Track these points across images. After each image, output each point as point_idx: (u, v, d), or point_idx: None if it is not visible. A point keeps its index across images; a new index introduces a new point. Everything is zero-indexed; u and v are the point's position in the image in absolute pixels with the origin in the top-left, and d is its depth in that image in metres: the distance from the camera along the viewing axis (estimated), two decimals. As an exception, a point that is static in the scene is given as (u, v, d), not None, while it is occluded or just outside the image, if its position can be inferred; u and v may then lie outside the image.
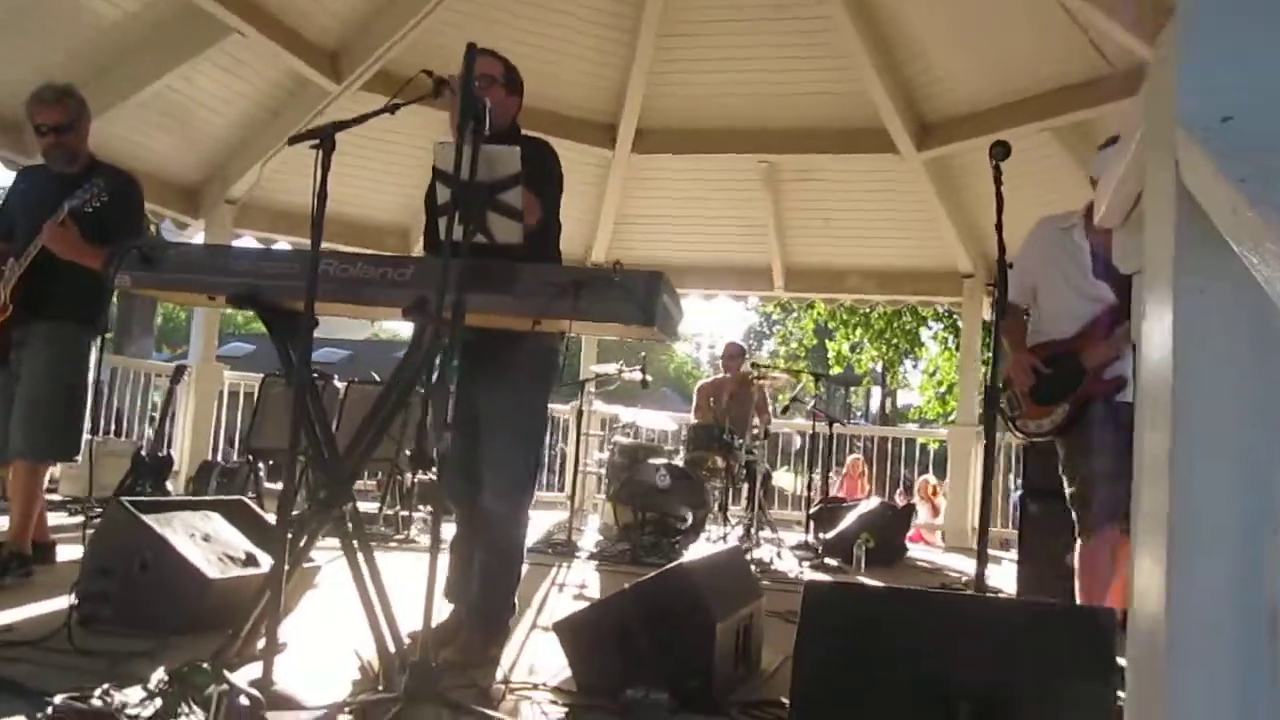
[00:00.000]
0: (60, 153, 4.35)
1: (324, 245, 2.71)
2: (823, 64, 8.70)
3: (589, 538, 7.74)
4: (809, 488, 8.72)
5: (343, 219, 9.28)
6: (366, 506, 7.70)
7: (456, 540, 3.60)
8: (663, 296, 2.77)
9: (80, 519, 5.78)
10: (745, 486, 8.12)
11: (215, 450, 9.35)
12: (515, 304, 2.77)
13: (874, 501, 8.34)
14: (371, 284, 2.88)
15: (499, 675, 3.21)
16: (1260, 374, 1.14)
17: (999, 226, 3.45)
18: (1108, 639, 2.28)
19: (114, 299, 5.54)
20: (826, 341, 20.81)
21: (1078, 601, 3.73)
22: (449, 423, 2.51)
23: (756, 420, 8.18)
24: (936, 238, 9.54)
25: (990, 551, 4.90)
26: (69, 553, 4.54)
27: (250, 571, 3.65)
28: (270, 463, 7.59)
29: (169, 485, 7.22)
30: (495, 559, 3.41)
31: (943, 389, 18.42)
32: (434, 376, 2.77)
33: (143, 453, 7.07)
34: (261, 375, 8.16)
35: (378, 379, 8.01)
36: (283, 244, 9.11)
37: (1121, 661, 1.92)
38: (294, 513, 2.82)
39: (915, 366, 22.81)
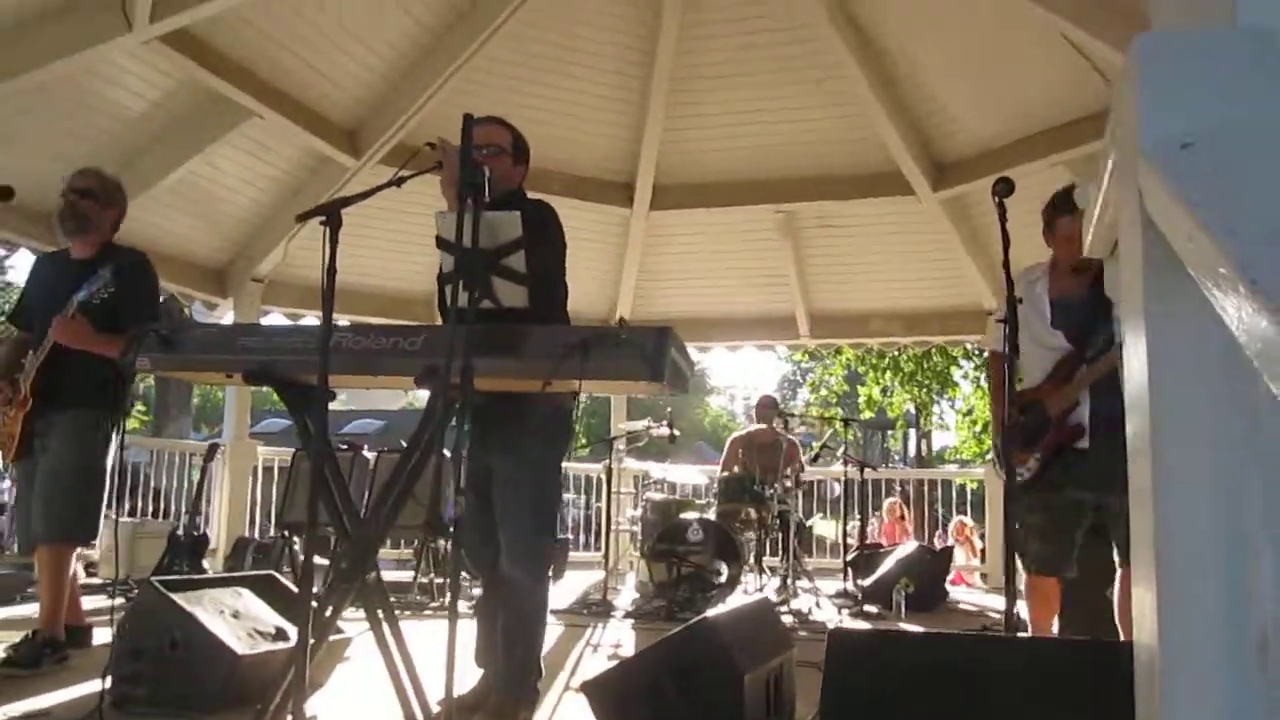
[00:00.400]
0: (70, 214, 4.42)
1: (353, 318, 2.76)
2: (834, 111, 8.76)
3: (625, 596, 7.70)
4: (845, 534, 8.65)
5: (372, 291, 9.42)
6: (402, 575, 7.76)
7: (481, 605, 3.60)
8: (671, 352, 2.78)
9: (120, 600, 5.84)
10: (780, 536, 8.07)
11: (253, 526, 9.41)
12: (525, 367, 2.79)
13: (912, 545, 8.27)
14: (384, 354, 2.92)
15: (529, 739, 3.20)
16: (1232, 398, 1.14)
17: (1006, 265, 3.46)
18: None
19: (148, 381, 5.62)
20: (858, 387, 20.73)
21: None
22: (462, 488, 2.52)
23: (788, 470, 8.14)
24: (959, 276, 9.52)
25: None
26: (106, 635, 4.58)
27: (280, 646, 3.66)
28: (304, 536, 7.63)
29: (205, 564, 7.28)
30: (517, 622, 3.41)
31: (978, 428, 18.27)
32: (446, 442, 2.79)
33: (179, 532, 7.14)
34: (294, 449, 8.23)
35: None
36: (310, 319, 9.22)
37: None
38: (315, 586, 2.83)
39: (952, 406, 22.67)
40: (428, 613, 6.54)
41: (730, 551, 7.14)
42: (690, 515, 7.39)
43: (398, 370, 2.91)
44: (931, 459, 26.38)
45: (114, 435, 4.48)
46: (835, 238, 9.87)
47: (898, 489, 12.72)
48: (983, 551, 10.68)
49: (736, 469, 8.46)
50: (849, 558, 8.34)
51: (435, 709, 2.83)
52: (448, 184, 3.18)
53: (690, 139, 9.18)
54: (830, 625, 6.34)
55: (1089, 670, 2.35)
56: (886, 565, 7.67)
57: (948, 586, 8.23)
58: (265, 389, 3.17)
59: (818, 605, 7.12)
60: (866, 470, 8.72)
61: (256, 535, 9.00)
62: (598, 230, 9.83)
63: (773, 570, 8.06)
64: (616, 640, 5.59)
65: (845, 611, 7.07)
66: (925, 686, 2.49)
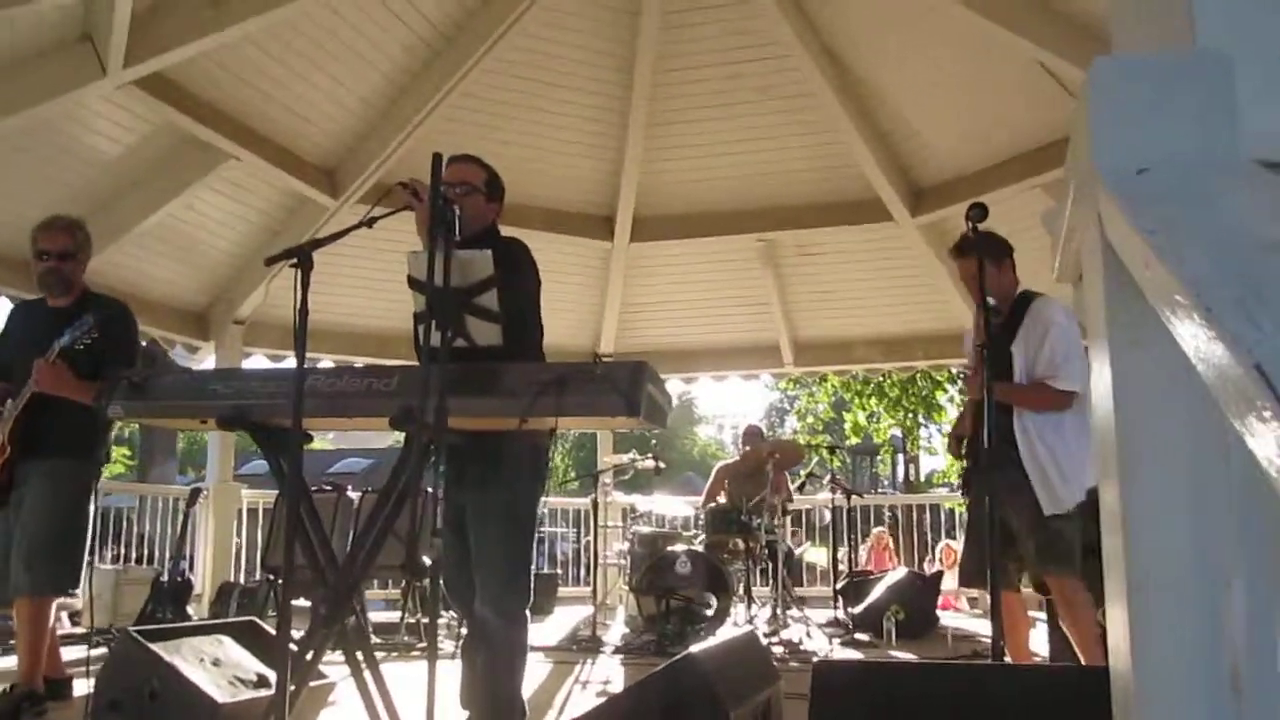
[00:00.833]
0: (56, 279, 4.43)
1: (336, 358, 2.74)
2: (812, 140, 8.80)
3: (615, 631, 7.65)
4: (834, 562, 8.62)
5: (354, 330, 9.40)
6: (391, 615, 7.69)
7: (465, 645, 3.56)
8: (647, 386, 2.77)
9: (102, 650, 5.77)
10: (769, 566, 8.03)
11: (238, 570, 9.33)
12: (500, 405, 2.77)
13: (902, 572, 8.24)
14: (358, 396, 2.90)
15: (514, 781, 3.15)
16: (1199, 425, 1.13)
17: (981, 288, 3.47)
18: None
19: (133, 425, 5.59)
20: (844, 413, 20.72)
21: None
22: (438, 528, 2.50)
23: (775, 499, 8.11)
24: (941, 301, 9.53)
25: (1033, 614, 4.90)
26: (86, 687, 4.52)
27: (261, 693, 3.62)
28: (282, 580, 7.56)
29: (190, 609, 7.19)
30: (497, 662, 3.37)
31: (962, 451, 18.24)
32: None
33: (162, 579, 7.07)
34: (277, 492, 8.17)
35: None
36: (293, 360, 9.18)
37: None
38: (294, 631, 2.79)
39: (939, 430, 22.65)
40: (415, 654, 6.47)
41: (719, 583, 7.10)
42: (678, 548, 7.35)
43: (372, 411, 2.89)
44: (919, 484, 26.35)
45: (94, 484, 4.44)
46: (816, 265, 9.89)
47: (886, 515, 12.68)
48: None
49: (721, 498, 8.42)
50: (839, 585, 8.31)
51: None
52: (421, 224, 3.17)
53: (669, 170, 9.21)
54: (821, 655, 6.30)
55: (1074, 697, 2.33)
56: (876, 592, 7.64)
57: (938, 612, 8.18)
58: (246, 431, 3.14)
59: (808, 635, 7.07)
60: (854, 497, 8.70)
61: (242, 579, 8.91)
62: (579, 264, 9.83)
63: (762, 600, 8.02)
64: (605, 677, 5.54)
65: (836, 640, 7.04)
66: (912, 717, 2.47)
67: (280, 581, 7.24)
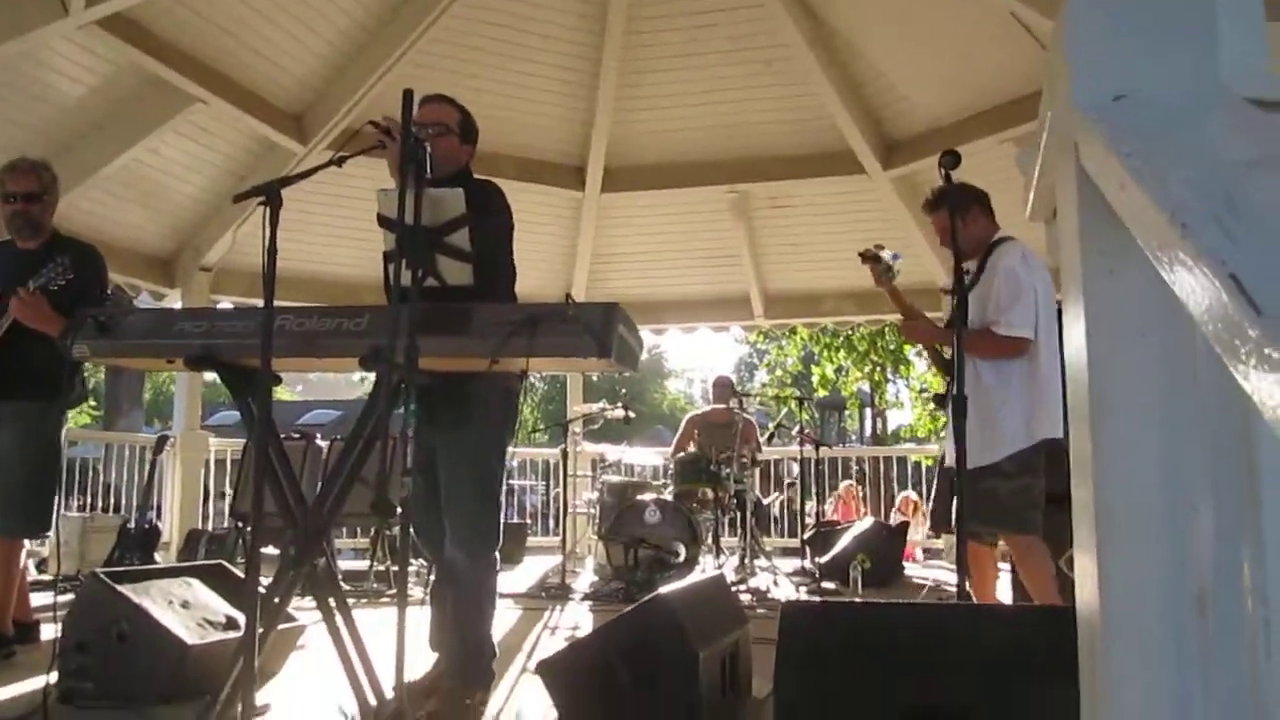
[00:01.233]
0: (24, 222, 4.36)
1: (302, 306, 2.71)
2: (785, 91, 8.76)
3: (584, 580, 7.69)
4: (802, 513, 8.70)
5: (320, 277, 9.32)
6: (360, 564, 7.70)
7: (434, 589, 3.57)
8: (619, 328, 2.76)
9: (69, 597, 5.75)
10: (738, 516, 8.08)
11: (206, 519, 9.30)
12: (471, 345, 2.75)
13: (868, 522, 8.31)
14: (327, 336, 2.87)
15: (485, 721, 3.18)
16: (1171, 356, 1.14)
17: (954, 236, 3.47)
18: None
19: (99, 374, 5.52)
20: (812, 366, 20.82)
21: None
22: (409, 469, 2.49)
23: (745, 450, 8.15)
24: (912, 254, 9.53)
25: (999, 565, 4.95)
26: (55, 632, 4.50)
27: (230, 635, 3.61)
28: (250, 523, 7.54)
29: (158, 556, 7.17)
30: (466, 606, 3.37)
31: (933, 405, 18.40)
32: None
33: (129, 526, 7.03)
34: (245, 441, 8.13)
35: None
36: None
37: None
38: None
39: (907, 384, 22.80)
40: (384, 600, 6.49)
41: (688, 532, 7.14)
42: (647, 497, 7.38)
43: (342, 351, 2.86)
44: (887, 437, 26.56)
45: (63, 427, 4.40)
46: (788, 217, 9.89)
47: (854, 467, 12.79)
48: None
49: (692, 448, 8.46)
50: (806, 536, 8.38)
51: (389, 695, 2.79)
52: (393, 163, 3.13)
53: (641, 121, 9.15)
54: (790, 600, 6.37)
55: (1034, 634, 2.37)
56: (843, 542, 7.71)
57: (903, 562, 8.28)
58: (217, 380, 3.11)
59: (775, 583, 7.14)
60: (822, 449, 8.76)
61: (210, 527, 8.89)
62: (550, 213, 9.77)
63: (731, 550, 8.08)
64: (574, 623, 5.58)
65: (803, 589, 7.11)
66: (878, 654, 2.50)
67: (249, 529, 7.25)
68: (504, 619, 5.31)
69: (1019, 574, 4.15)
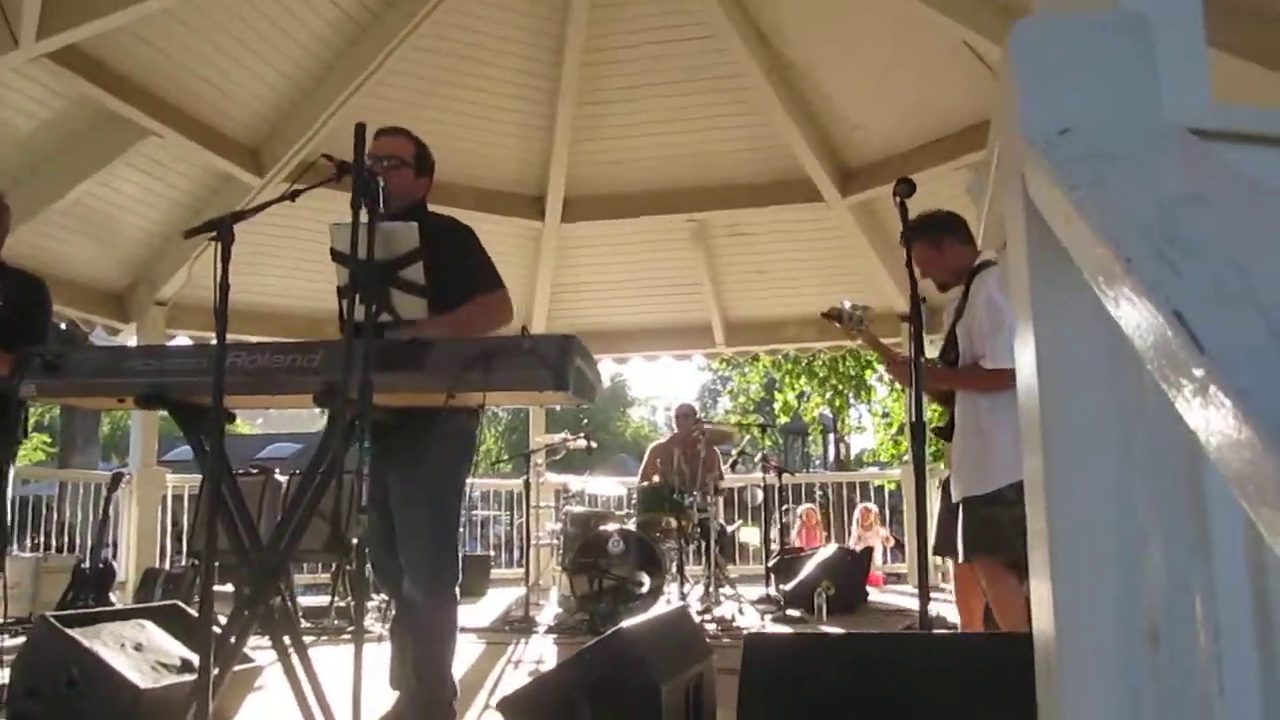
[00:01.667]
0: None
1: (262, 340, 2.67)
2: (742, 120, 8.82)
3: (548, 612, 7.63)
4: (766, 540, 8.69)
5: (279, 311, 9.22)
6: (320, 600, 7.59)
7: (394, 626, 3.52)
8: (576, 360, 2.74)
9: (19, 641, 5.62)
10: (702, 544, 8.06)
11: (164, 557, 9.14)
12: (426, 380, 2.72)
13: (832, 548, 8.32)
14: (281, 372, 2.84)
15: (446, 761, 3.12)
16: (1119, 385, 1.14)
17: (909, 264, 3.49)
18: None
19: (53, 411, 5.41)
20: (775, 392, 20.87)
21: None
22: (364, 506, 2.46)
23: (708, 478, 8.14)
24: (870, 281, 9.60)
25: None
26: (3, 676, 4.40)
27: (185, 678, 3.53)
28: (217, 565, 7.42)
29: (113, 596, 7.04)
30: (426, 644, 3.33)
31: (894, 430, 18.51)
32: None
33: (84, 565, 6.90)
34: (202, 477, 8.00)
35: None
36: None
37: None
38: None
39: (868, 409, 22.91)
40: (345, 637, 6.39)
41: (652, 562, 7.11)
42: (610, 527, 7.34)
43: (296, 388, 2.82)
44: (850, 463, 26.64)
45: (10, 466, 4.31)
46: (747, 245, 9.93)
47: (817, 493, 12.80)
48: (903, 548, 10.80)
49: (656, 478, 8.43)
50: (770, 563, 8.37)
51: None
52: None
53: (600, 150, 9.17)
54: (754, 631, 6.35)
55: (998, 662, 2.36)
56: (807, 569, 7.71)
57: (867, 588, 8.29)
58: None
59: (740, 612, 7.12)
60: (785, 475, 8.76)
61: (167, 565, 8.74)
62: (510, 244, 9.74)
63: (695, 578, 8.05)
64: (538, 656, 5.53)
65: (768, 617, 7.09)
66: (841, 687, 2.48)
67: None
68: (467, 653, 5.25)
69: (988, 596, 4.09)
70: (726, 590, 7.63)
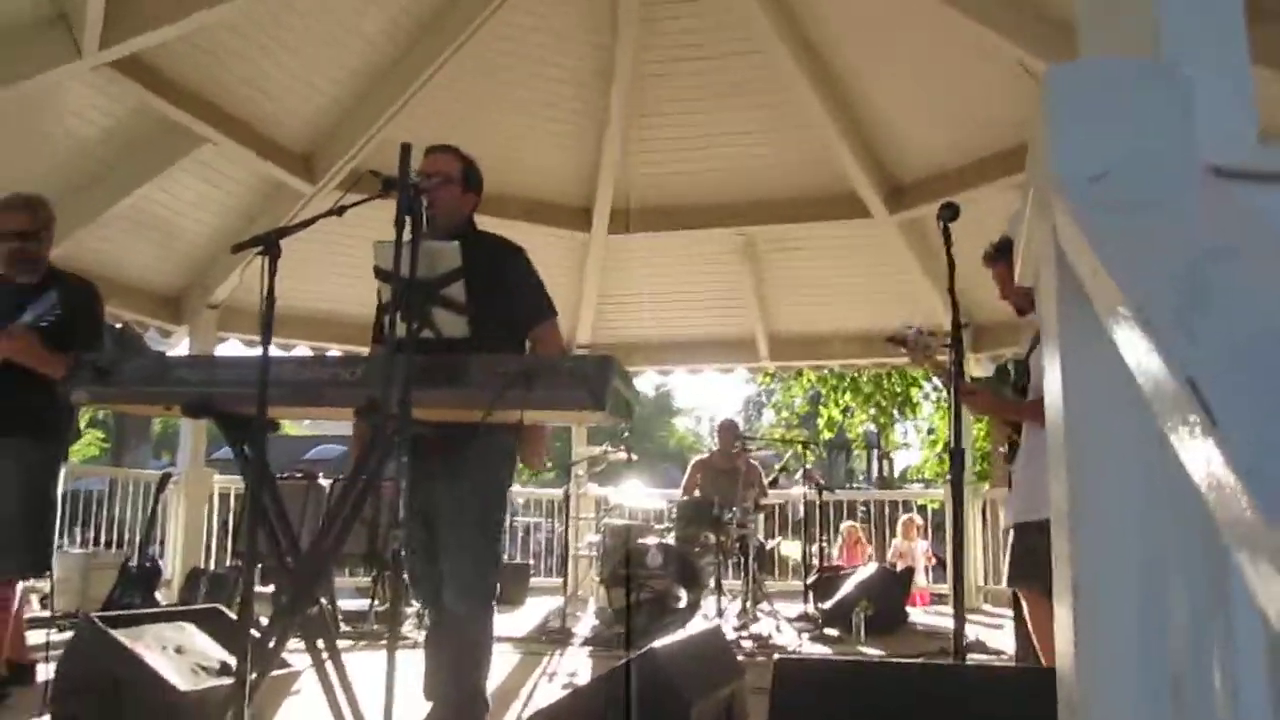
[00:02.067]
0: (22, 259, 4.36)
1: (315, 345, 2.71)
2: (790, 135, 8.82)
3: (585, 623, 7.65)
4: (805, 557, 8.65)
5: (333, 317, 9.30)
6: (360, 604, 7.66)
7: (429, 636, 3.56)
8: (614, 381, 2.76)
9: (66, 635, 5.72)
10: (741, 560, 8.04)
11: (209, 556, 9.28)
12: (466, 397, 2.75)
13: (872, 567, 8.26)
14: (324, 385, 2.88)
15: (477, 774, 3.15)
16: (1145, 430, 1.13)
17: (951, 288, 3.47)
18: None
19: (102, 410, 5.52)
20: (819, 407, 20.77)
21: None
22: (401, 520, 2.49)
23: (749, 494, 8.13)
24: (917, 298, 9.53)
25: (1002, 611, 4.88)
26: (49, 671, 4.48)
27: (224, 681, 3.58)
28: (260, 566, 7.52)
29: (159, 595, 7.14)
30: (461, 656, 3.36)
31: (939, 449, 18.34)
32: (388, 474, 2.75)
33: (130, 563, 7.01)
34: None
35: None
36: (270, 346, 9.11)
37: None
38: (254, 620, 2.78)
39: (913, 426, 22.72)
40: (384, 642, 6.44)
41: (690, 576, 7.10)
42: (650, 540, 7.35)
43: (338, 401, 2.86)
44: (894, 480, 26.43)
45: (61, 464, 4.40)
46: (794, 260, 9.92)
47: (860, 510, 12.71)
48: (944, 566, 10.69)
49: (697, 493, 8.43)
50: (809, 580, 8.33)
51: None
52: None
53: (648, 163, 9.20)
54: (791, 649, 6.33)
55: (1027, 697, 2.34)
56: (846, 588, 7.65)
57: (907, 608, 8.22)
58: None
59: (778, 629, 7.09)
60: (827, 492, 8.73)
61: (212, 565, 8.87)
62: (557, 255, 9.80)
63: (733, 594, 8.04)
64: (573, 669, 5.54)
65: (805, 635, 7.05)
66: (871, 714, 2.48)
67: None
68: (502, 664, 5.27)
69: (1030, 622, 4.04)
70: (764, 607, 7.60)
